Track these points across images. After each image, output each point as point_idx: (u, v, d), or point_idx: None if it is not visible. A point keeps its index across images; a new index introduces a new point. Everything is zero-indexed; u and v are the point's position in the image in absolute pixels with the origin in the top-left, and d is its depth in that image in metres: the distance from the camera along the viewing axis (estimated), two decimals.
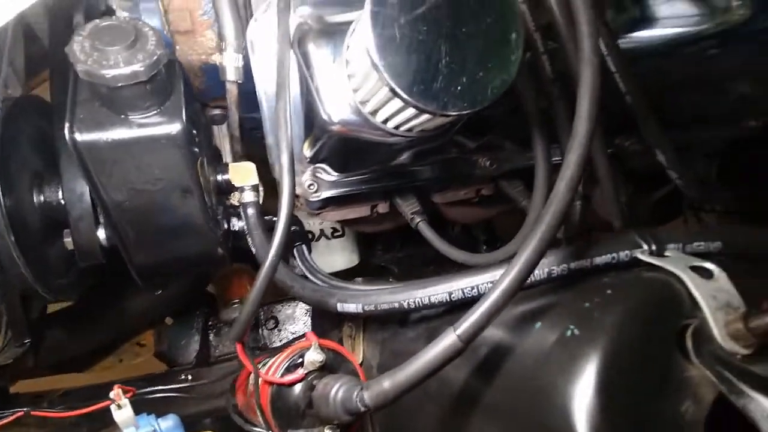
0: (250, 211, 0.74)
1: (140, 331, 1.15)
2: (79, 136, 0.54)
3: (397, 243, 1.20)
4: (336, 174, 0.75)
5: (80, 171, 0.63)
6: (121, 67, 0.51)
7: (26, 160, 0.70)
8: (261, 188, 0.75)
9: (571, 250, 0.51)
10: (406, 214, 0.83)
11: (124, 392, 0.64)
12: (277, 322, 1.19)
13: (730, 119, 0.93)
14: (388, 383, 0.45)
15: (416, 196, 0.83)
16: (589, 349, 0.41)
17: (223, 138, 0.90)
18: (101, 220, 0.66)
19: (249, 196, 0.74)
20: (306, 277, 0.71)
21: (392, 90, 0.44)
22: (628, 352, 0.41)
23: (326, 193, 0.76)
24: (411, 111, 0.47)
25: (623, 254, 0.49)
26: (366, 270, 1.12)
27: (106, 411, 0.74)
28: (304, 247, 0.78)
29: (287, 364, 0.58)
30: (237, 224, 0.77)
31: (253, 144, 0.83)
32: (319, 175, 0.74)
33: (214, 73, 0.82)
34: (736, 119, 0.92)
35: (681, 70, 0.82)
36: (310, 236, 0.98)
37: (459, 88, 0.44)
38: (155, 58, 0.52)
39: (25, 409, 0.89)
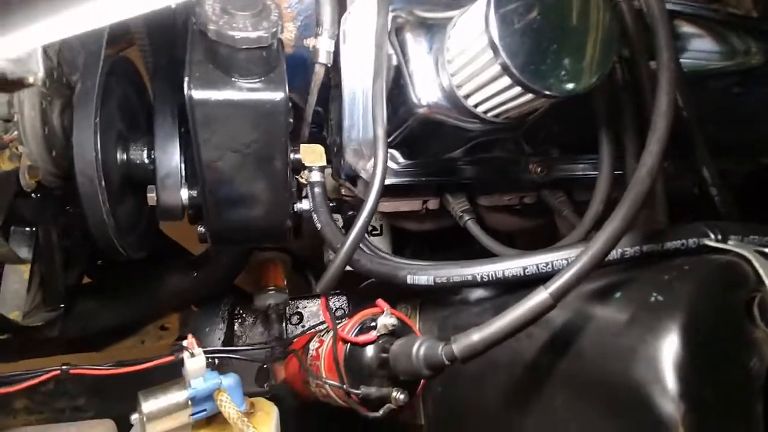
0: (317, 190, 0.78)
1: (167, 313, 1.15)
2: (195, 93, 0.58)
3: (426, 250, 1.23)
4: (399, 162, 0.79)
5: (176, 129, 0.67)
6: (249, 31, 0.55)
7: (114, 118, 0.74)
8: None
9: (643, 234, 0.56)
10: (456, 212, 0.87)
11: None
12: (301, 318, 1.20)
13: (749, 154, 1.00)
14: (477, 336, 0.48)
15: (466, 196, 0.88)
16: (673, 310, 0.45)
17: None
18: (184, 181, 0.70)
19: (317, 176, 0.78)
20: None
21: (505, 68, 0.49)
22: (706, 315, 0.45)
23: (388, 181, 0.80)
24: (514, 91, 0.52)
25: (692, 241, 0.54)
26: None
27: (127, 386, 0.71)
28: None
29: (359, 326, 0.60)
30: (297, 206, 0.81)
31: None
32: None
33: (288, 63, 0.87)
34: (754, 155, 1.00)
35: (706, 102, 0.90)
36: None
37: (563, 72, 0.50)
38: (276, 29, 0.57)
39: (63, 367, 0.84)
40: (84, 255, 0.90)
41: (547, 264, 0.58)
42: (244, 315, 1.19)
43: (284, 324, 1.18)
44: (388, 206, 0.87)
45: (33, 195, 0.72)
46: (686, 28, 0.83)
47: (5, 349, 0.85)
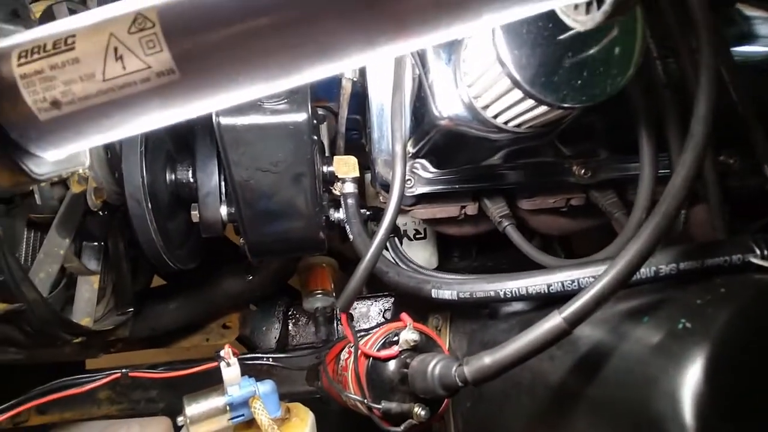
0: (350, 201, 0.79)
1: (226, 312, 1.24)
2: (223, 119, 0.62)
3: (473, 251, 1.21)
4: (432, 171, 0.78)
5: (215, 151, 0.71)
6: None
7: (162, 142, 0.80)
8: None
9: (680, 251, 0.51)
10: (494, 217, 0.85)
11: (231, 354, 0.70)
12: (351, 318, 1.23)
13: None
14: (489, 359, 0.47)
15: (505, 200, 0.85)
16: (701, 340, 0.41)
17: (323, 135, 0.97)
18: (224, 198, 0.74)
19: (350, 187, 0.80)
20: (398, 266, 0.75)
21: (515, 81, 0.47)
22: (738, 345, 0.41)
23: (421, 189, 0.79)
24: (528, 103, 0.50)
25: (736, 258, 0.49)
26: None
27: (192, 382, 0.78)
28: (396, 239, 0.82)
29: (383, 341, 0.61)
30: (334, 215, 0.83)
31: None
32: (416, 170, 0.78)
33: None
34: None
35: None
36: None
37: (579, 82, 0.47)
38: None
39: (123, 369, 0.92)
40: (149, 263, 0.98)
41: (573, 281, 0.55)
42: (297, 315, 1.25)
43: (335, 324, 1.22)
44: (424, 213, 0.87)
45: (100, 213, 0.80)
46: (757, 13, 0.74)
47: (87, 346, 0.96)
